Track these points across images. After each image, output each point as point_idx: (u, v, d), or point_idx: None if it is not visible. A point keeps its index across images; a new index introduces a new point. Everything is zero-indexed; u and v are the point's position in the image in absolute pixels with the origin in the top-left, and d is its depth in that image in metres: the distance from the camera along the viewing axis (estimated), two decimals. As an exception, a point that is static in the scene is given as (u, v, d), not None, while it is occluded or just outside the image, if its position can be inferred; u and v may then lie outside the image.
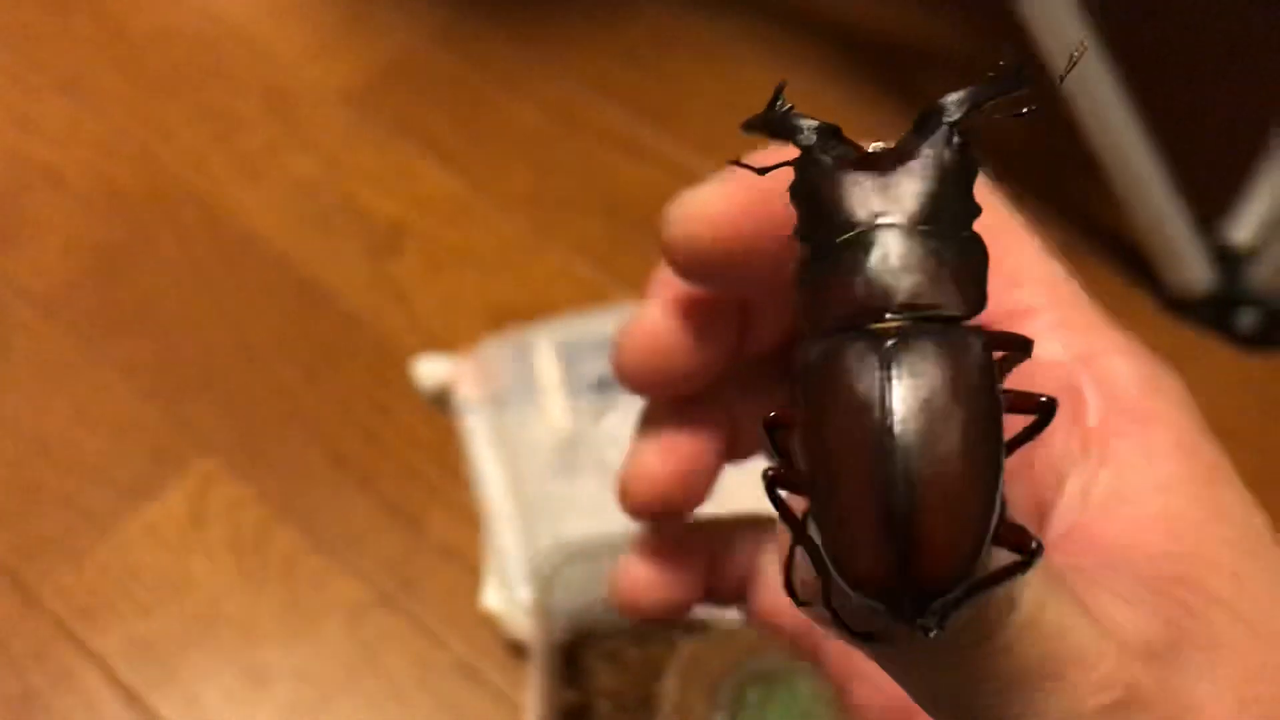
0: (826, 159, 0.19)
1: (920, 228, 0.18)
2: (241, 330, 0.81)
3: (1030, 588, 0.19)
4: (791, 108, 0.20)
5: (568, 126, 0.94)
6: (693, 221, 0.24)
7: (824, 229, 0.19)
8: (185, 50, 0.96)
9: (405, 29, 0.98)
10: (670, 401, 0.27)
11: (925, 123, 0.19)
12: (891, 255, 0.18)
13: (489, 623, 0.69)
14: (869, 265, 0.18)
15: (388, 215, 0.88)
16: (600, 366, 0.73)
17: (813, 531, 0.18)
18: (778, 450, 0.19)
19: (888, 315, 0.18)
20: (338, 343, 0.81)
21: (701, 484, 0.29)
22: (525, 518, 0.68)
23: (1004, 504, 0.18)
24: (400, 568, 0.71)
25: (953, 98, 0.19)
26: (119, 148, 0.91)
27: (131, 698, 0.66)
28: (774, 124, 0.20)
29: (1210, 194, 0.88)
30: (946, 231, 0.18)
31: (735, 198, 0.24)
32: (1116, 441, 0.22)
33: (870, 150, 0.19)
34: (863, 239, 0.18)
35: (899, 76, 0.97)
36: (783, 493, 0.19)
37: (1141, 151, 0.80)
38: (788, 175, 0.20)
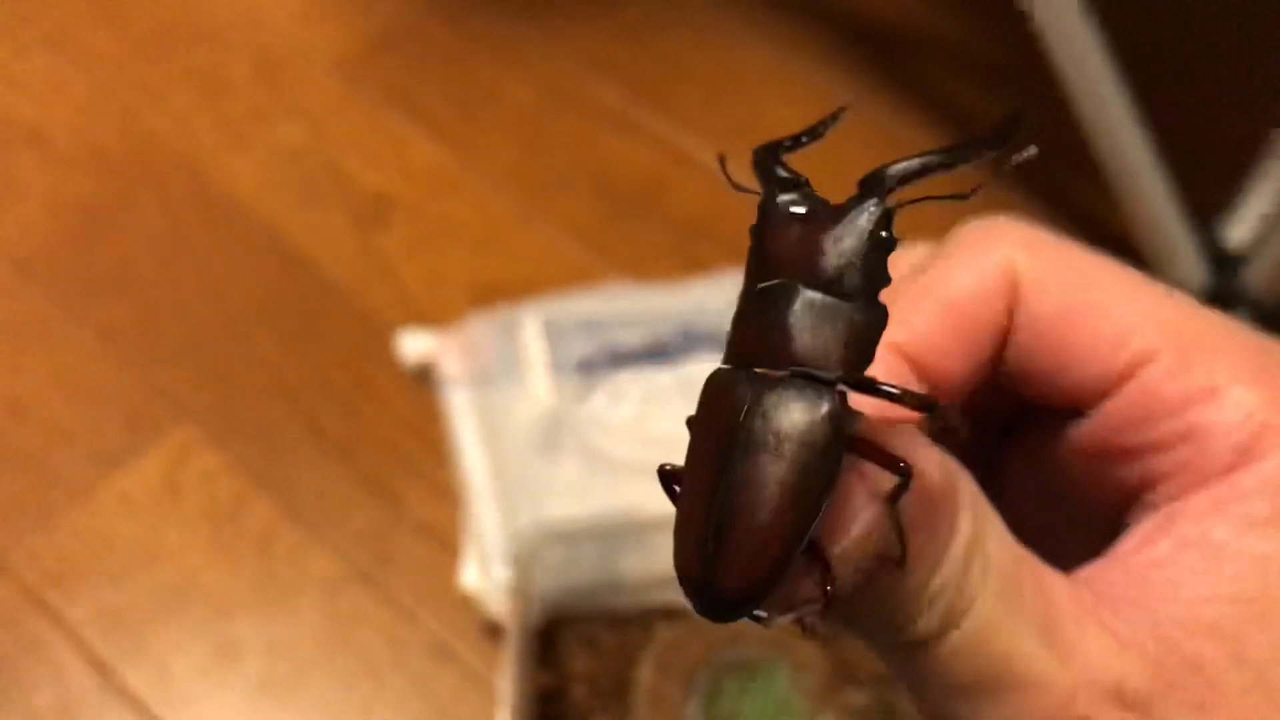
0: (779, 209, 0.20)
1: (824, 291, 0.20)
2: (223, 297, 0.80)
3: (984, 604, 0.21)
4: (778, 150, 0.21)
5: (560, 103, 0.92)
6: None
7: (753, 274, 0.21)
8: (175, 10, 0.95)
9: (399, -2, 0.96)
10: None
11: (864, 188, 0.20)
12: (788, 312, 0.20)
13: (465, 602, 0.68)
14: (769, 316, 0.20)
15: (375, 186, 0.87)
16: (585, 346, 0.72)
17: None
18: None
19: (770, 365, 0.20)
20: (320, 313, 0.80)
21: None
22: (506, 497, 0.67)
23: (810, 540, 0.20)
24: (377, 544, 0.70)
25: (894, 169, 0.20)
26: (104, 108, 0.89)
27: (101, 667, 0.65)
28: (756, 164, 0.21)
29: (1207, 194, 0.87)
30: (848, 297, 0.20)
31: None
32: (1228, 477, 0.23)
33: (810, 210, 0.20)
34: (774, 291, 0.20)
35: (895, 60, 0.97)
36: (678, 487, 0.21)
37: (1139, 150, 0.79)
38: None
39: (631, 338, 0.73)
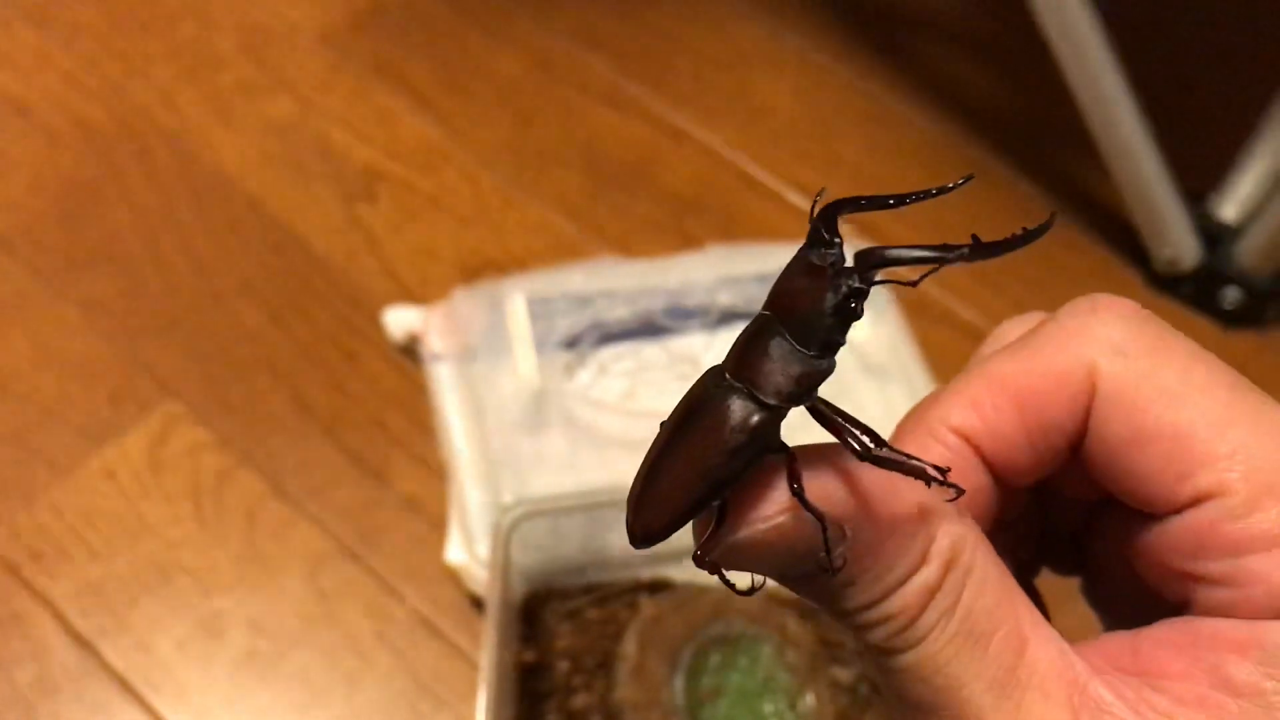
0: (801, 258, 0.23)
1: (791, 333, 0.23)
2: (208, 272, 0.80)
3: (936, 643, 0.24)
4: (840, 207, 0.23)
5: (550, 77, 0.92)
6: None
7: (767, 298, 0.24)
8: (160, -16, 0.94)
9: (387, -29, 0.95)
10: None
11: (858, 259, 0.23)
12: (760, 340, 0.23)
13: (450, 578, 0.68)
14: (749, 337, 0.24)
15: (362, 160, 0.86)
16: (571, 322, 0.72)
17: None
18: None
19: (734, 374, 0.24)
20: (306, 289, 0.79)
21: None
22: (491, 472, 0.66)
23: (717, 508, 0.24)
24: (362, 519, 0.70)
25: (889, 254, 0.23)
26: (89, 82, 0.88)
27: (82, 644, 0.65)
28: (815, 214, 0.23)
29: (1200, 171, 0.86)
30: (806, 346, 0.23)
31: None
32: (1250, 624, 0.24)
33: (822, 267, 0.23)
34: (763, 319, 0.24)
35: (888, 36, 0.96)
36: None
37: (1133, 127, 0.78)
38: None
39: (619, 313, 0.73)
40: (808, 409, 0.24)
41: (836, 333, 0.23)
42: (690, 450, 0.24)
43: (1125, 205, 0.83)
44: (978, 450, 0.26)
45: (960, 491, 0.24)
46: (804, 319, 0.23)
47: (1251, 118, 0.85)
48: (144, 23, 0.91)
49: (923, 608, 0.24)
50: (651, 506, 0.24)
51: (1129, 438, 0.24)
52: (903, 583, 0.24)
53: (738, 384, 0.23)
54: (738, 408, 0.23)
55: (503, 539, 0.53)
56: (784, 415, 0.23)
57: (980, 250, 0.22)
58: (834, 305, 0.23)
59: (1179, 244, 0.82)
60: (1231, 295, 0.81)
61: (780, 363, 0.23)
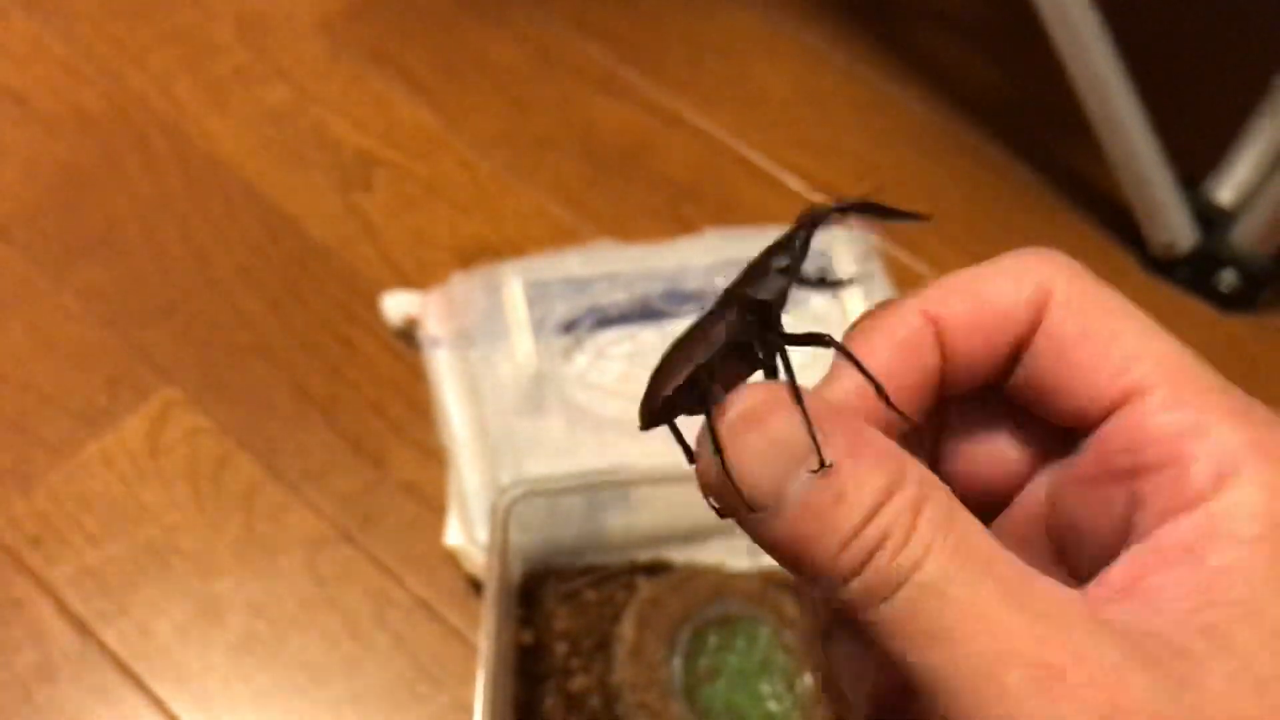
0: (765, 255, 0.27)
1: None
2: (205, 259, 0.80)
3: (939, 558, 0.23)
4: (823, 215, 0.27)
5: (546, 64, 0.92)
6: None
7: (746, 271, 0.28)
8: (156, -28, 0.94)
9: (383, -42, 0.95)
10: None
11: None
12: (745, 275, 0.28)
13: (450, 561, 0.68)
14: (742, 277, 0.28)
15: (359, 147, 0.86)
16: (569, 306, 0.72)
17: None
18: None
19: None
20: (304, 275, 0.79)
21: None
22: (489, 455, 0.66)
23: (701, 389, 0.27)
24: (361, 504, 0.70)
25: (768, 285, 0.27)
26: (85, 70, 0.88)
27: (81, 629, 0.65)
28: (802, 218, 0.27)
29: (1196, 154, 0.86)
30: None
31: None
32: (1210, 501, 0.24)
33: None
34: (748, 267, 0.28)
35: (885, 21, 0.96)
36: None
37: (1128, 110, 0.78)
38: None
39: (616, 297, 0.73)
40: (763, 340, 0.27)
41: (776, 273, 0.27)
42: (683, 342, 0.28)
43: (1121, 189, 0.83)
44: (939, 335, 0.27)
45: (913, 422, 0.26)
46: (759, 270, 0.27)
47: (1247, 101, 0.85)
48: (140, 10, 0.91)
49: (915, 519, 0.23)
50: (651, 389, 0.27)
51: (1072, 340, 0.26)
52: (889, 497, 0.23)
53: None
54: (724, 308, 0.27)
55: (500, 519, 0.53)
56: (746, 315, 0.27)
57: (848, 208, 0.27)
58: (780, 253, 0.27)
59: (1175, 227, 0.82)
60: (1228, 278, 0.81)
61: (753, 285, 0.27)
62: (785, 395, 0.24)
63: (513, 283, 0.70)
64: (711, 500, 0.25)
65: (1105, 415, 0.26)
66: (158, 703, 0.63)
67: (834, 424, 0.24)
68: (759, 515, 0.24)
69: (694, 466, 0.25)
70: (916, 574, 0.23)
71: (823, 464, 0.23)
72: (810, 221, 0.27)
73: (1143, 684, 0.22)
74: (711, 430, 0.24)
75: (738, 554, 0.65)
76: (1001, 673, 0.22)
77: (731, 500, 0.24)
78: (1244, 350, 0.80)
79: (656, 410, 0.28)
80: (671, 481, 0.57)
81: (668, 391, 0.27)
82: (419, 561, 0.68)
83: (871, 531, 0.23)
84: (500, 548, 0.52)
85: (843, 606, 0.24)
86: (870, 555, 0.23)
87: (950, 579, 0.23)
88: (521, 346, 0.69)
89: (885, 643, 0.23)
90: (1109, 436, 0.26)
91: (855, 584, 0.23)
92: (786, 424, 0.24)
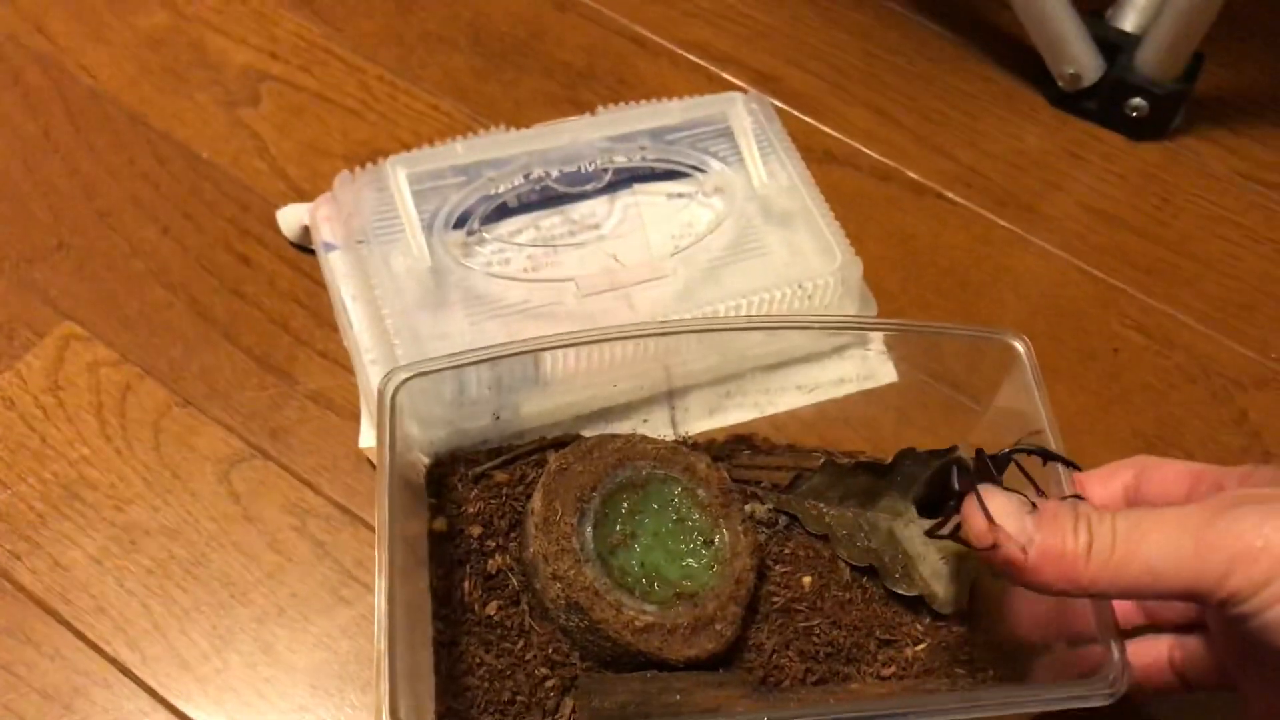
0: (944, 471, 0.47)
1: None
2: (94, 191, 0.77)
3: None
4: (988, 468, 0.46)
5: (430, -39, 0.89)
6: None
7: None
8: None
9: None
10: None
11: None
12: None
13: (365, 465, 0.67)
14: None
15: (242, 63, 0.84)
16: (462, 196, 0.70)
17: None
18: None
19: None
20: (196, 197, 0.77)
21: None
22: (391, 355, 0.65)
23: None
24: (271, 418, 0.69)
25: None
26: (-46, 14, 0.85)
27: (-3, 570, 0.64)
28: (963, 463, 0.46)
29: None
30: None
31: None
32: None
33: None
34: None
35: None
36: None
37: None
38: None
39: (513, 182, 0.71)
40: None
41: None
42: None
43: (1023, 27, 0.81)
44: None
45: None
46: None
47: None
48: (2, -54, 0.88)
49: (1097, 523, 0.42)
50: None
51: None
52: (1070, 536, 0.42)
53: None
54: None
55: (386, 404, 0.52)
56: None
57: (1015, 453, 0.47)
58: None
59: (1079, 59, 0.80)
60: (1136, 105, 0.80)
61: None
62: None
63: (398, 174, 0.68)
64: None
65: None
66: (79, 635, 0.61)
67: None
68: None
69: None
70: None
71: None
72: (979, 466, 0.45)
73: None
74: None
75: (654, 430, 0.64)
76: None
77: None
78: (1157, 177, 0.79)
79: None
80: (559, 348, 0.56)
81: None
82: (334, 468, 0.67)
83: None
84: (389, 432, 0.51)
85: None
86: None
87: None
88: (415, 240, 0.67)
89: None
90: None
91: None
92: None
